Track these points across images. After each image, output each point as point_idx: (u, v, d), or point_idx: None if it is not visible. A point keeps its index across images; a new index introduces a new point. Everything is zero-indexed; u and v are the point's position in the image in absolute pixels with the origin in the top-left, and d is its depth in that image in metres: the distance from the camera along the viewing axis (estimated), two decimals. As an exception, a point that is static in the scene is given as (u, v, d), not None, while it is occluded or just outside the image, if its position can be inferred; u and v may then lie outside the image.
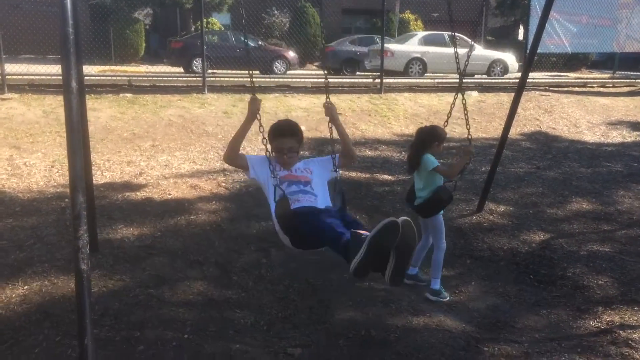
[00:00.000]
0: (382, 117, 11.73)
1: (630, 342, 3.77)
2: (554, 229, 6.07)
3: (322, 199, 3.41)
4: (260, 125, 3.45)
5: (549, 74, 19.68)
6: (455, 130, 11.47)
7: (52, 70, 12.01)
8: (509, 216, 6.40)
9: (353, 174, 7.78)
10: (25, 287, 4.37)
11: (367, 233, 2.79)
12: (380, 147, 9.90)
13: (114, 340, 3.72)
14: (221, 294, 4.60)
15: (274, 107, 11.46)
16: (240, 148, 3.54)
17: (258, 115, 3.45)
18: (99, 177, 7.19)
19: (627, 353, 3.62)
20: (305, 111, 11.49)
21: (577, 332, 4.04)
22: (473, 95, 13.49)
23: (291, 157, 3.55)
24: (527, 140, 10.94)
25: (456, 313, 4.49)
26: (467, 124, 4.66)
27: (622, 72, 19.67)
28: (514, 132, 11.51)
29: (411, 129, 11.28)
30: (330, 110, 3.58)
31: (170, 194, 6.46)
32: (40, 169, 7.43)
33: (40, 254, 4.86)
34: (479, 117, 12.31)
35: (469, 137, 4.72)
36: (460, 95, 4.76)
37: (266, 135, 3.48)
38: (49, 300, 4.19)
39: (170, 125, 10.02)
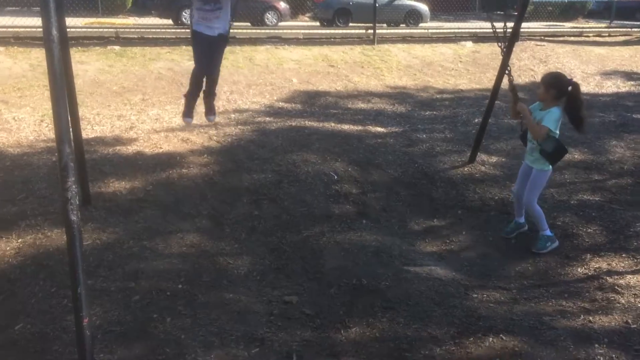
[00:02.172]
0: (375, 68, 11.59)
1: (616, 287, 3.85)
2: (544, 179, 6.09)
3: (224, 15, 5.21)
4: None
5: (545, 23, 19.40)
6: (448, 81, 11.41)
7: (37, 22, 11.71)
8: (500, 167, 6.41)
9: (345, 127, 7.75)
10: (19, 240, 4.38)
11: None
12: (373, 99, 9.83)
13: (109, 290, 3.77)
14: (214, 246, 4.64)
15: (265, 60, 11.30)
16: None
17: None
18: (89, 131, 7.12)
19: (612, 298, 3.70)
20: (297, 63, 11.33)
21: (565, 279, 4.12)
22: (467, 46, 13.32)
23: None
24: (521, 90, 10.79)
25: (447, 262, 4.56)
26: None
27: (619, 22, 19.40)
28: (507, 83, 11.43)
29: (404, 81, 11.20)
30: None
31: (161, 148, 6.41)
32: (30, 123, 7.35)
33: (33, 207, 4.85)
34: (473, 68, 12.20)
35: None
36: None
37: None
38: (43, 252, 4.21)
39: (160, 79, 9.88)
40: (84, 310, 2.62)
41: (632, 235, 4.71)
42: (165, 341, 3.16)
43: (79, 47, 10.72)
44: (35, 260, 4.13)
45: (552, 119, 4.33)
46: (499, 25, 5.13)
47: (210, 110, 5.97)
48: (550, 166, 4.57)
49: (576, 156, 6.93)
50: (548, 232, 4.61)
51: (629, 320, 3.38)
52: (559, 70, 4.95)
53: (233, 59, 10.99)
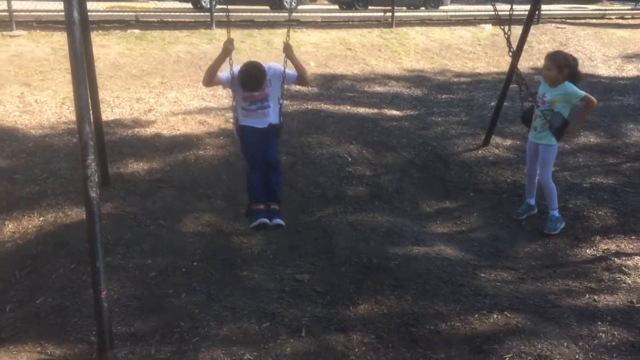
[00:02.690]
0: (393, 52, 11.55)
1: (623, 268, 3.88)
2: (559, 162, 6.06)
3: (273, 110, 4.27)
4: (230, 60, 4.05)
5: (568, 5, 19.05)
6: (466, 65, 11.34)
7: (59, 6, 11.89)
8: (514, 150, 6.42)
9: (361, 110, 7.79)
10: (41, 219, 4.55)
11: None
12: (390, 82, 9.83)
13: (126, 267, 3.91)
14: (229, 226, 4.76)
15: (282, 43, 11.32)
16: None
17: (230, 57, 4.04)
18: (109, 113, 7.26)
19: (619, 278, 3.74)
20: (315, 46, 11.35)
21: (573, 260, 4.16)
22: (486, 29, 13.19)
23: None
24: (539, 74, 10.74)
25: (457, 243, 4.62)
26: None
27: None
28: (526, 66, 11.31)
29: (422, 64, 11.15)
30: (287, 50, 4.16)
31: (179, 130, 6.54)
32: (51, 105, 7.51)
33: (54, 187, 5.02)
34: (492, 52, 12.09)
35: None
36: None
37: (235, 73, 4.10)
38: (64, 230, 4.38)
39: (179, 62, 9.98)
40: (102, 283, 2.76)
41: (644, 218, 4.71)
42: (180, 315, 3.28)
43: (100, 31, 10.86)
44: (56, 238, 4.30)
45: (576, 89, 4.51)
46: (503, 8, 5.11)
47: (275, 213, 4.10)
48: (556, 141, 4.66)
49: (592, 139, 6.90)
50: (557, 213, 4.68)
51: (634, 300, 3.43)
52: (566, 51, 4.95)
53: (251, 43, 11.04)
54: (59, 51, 9.69)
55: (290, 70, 4.25)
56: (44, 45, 9.84)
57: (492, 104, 8.45)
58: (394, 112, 7.83)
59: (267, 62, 4.32)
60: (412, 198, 5.51)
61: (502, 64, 11.26)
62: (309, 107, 7.82)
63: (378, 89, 9.44)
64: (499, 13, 4.89)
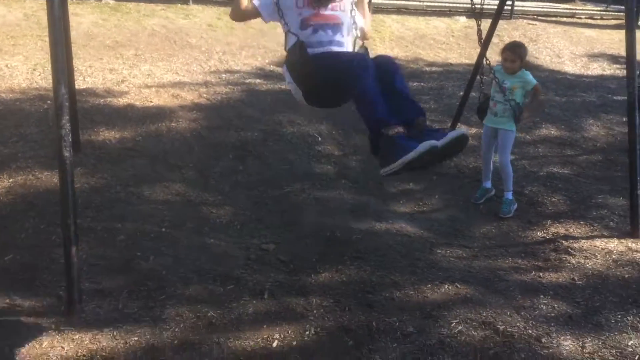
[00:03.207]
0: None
1: (570, 249, 4.14)
2: (519, 152, 6.36)
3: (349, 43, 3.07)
4: None
5: (541, 3, 19.42)
6: (439, 55, 11.56)
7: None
8: (478, 138, 6.61)
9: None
10: (10, 180, 4.58)
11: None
12: (363, 67, 9.96)
13: (95, 229, 4.00)
14: (198, 196, 4.87)
15: (259, 22, 11.31)
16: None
17: None
18: (81, 82, 7.23)
19: (564, 258, 3.99)
20: None
21: (524, 241, 4.41)
22: (461, 21, 13.41)
23: None
24: (509, 68, 11.05)
25: (417, 222, 4.82)
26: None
27: (616, 6, 19.33)
28: (495, 60, 11.58)
29: (396, 52, 11.31)
30: None
31: (151, 102, 6.58)
32: (22, 71, 7.44)
33: (24, 150, 5.04)
34: (465, 43, 12.32)
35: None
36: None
37: None
38: (34, 192, 4.43)
39: (154, 35, 9.92)
40: (73, 238, 2.86)
41: (593, 206, 5.00)
42: (148, 276, 3.40)
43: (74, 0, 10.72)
44: (25, 199, 4.35)
45: (532, 77, 4.82)
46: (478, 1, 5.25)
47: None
48: (515, 126, 4.92)
49: (552, 132, 7.19)
50: (511, 195, 4.96)
51: (575, 278, 3.68)
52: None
53: (228, 20, 10.99)
54: (31, 17, 9.54)
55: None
56: (16, 11, 9.67)
57: (461, 93, 8.67)
58: (366, 96, 7.98)
59: None
60: (378, 179, 5.67)
61: (474, 55, 11.43)
62: (282, 86, 7.90)
63: (351, 73, 9.56)
64: (475, 6, 5.02)
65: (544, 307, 3.26)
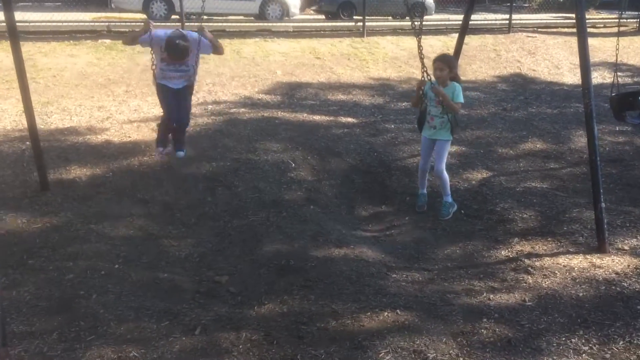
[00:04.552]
0: (361, 60, 11.71)
1: (529, 268, 3.98)
2: (499, 168, 6.22)
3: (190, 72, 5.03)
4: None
5: (554, 15, 19.19)
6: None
7: (30, 17, 12.11)
8: (458, 155, 6.54)
9: (316, 117, 7.91)
10: (-25, 222, 4.65)
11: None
12: (354, 91, 9.96)
13: (47, 269, 4.00)
14: (162, 229, 4.86)
15: (252, 52, 11.48)
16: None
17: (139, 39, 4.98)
18: (68, 121, 7.39)
19: (522, 278, 3.83)
20: (284, 56, 11.50)
21: (487, 261, 4.26)
22: (457, 38, 13.34)
23: None
24: (504, 82, 10.92)
25: (381, 245, 4.72)
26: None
27: (633, 13, 18.77)
28: (491, 75, 11.51)
29: (389, 73, 11.31)
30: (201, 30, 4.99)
31: (130, 137, 6.66)
32: (12, 114, 7.63)
33: (-6, 191, 5.13)
34: (460, 60, 12.15)
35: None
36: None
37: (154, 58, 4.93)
38: (-5, 234, 4.48)
39: (146, 71, 10.03)
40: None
41: (565, 221, 4.82)
42: (84, 315, 3.37)
43: (71, 41, 11.03)
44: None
45: (461, 93, 5.00)
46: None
47: (180, 145, 5.43)
48: (452, 135, 5.18)
49: (538, 145, 7.04)
50: (450, 199, 5.19)
51: (526, 298, 3.52)
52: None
53: (220, 52, 11.17)
54: (27, 61, 9.82)
55: (205, 40, 4.98)
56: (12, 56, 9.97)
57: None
58: (349, 120, 7.96)
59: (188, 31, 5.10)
60: (350, 202, 5.63)
61: (468, 72, 11.43)
62: (265, 114, 7.94)
63: (341, 97, 9.57)
64: (414, 23, 4.98)
65: (484, 332, 3.11)
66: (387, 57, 12.07)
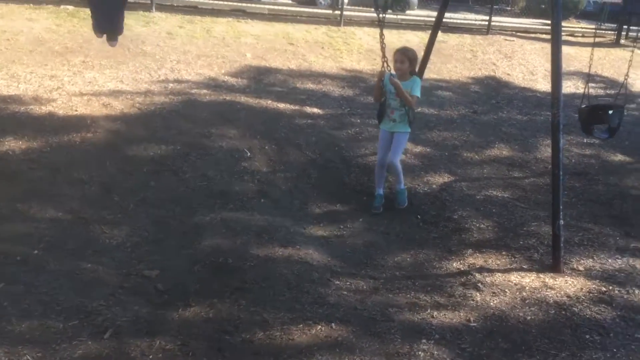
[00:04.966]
0: (335, 50, 11.37)
1: (479, 284, 3.76)
2: (462, 173, 6.01)
3: None
4: None
5: (519, 19, 19.14)
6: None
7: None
8: (422, 157, 6.31)
9: (281, 105, 7.58)
10: None
11: None
12: (324, 80, 9.63)
13: (-44, 251, 3.63)
14: (95, 214, 4.50)
15: (223, 32, 11.04)
16: None
17: None
18: (13, 88, 6.90)
19: (470, 295, 3.61)
20: (256, 38, 11.09)
21: (437, 272, 4.03)
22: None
23: None
24: (477, 84, 10.73)
25: (330, 247, 4.45)
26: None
27: (611, 25, 18.80)
28: (466, 75, 11.31)
29: (362, 65, 11.00)
30: None
31: (76, 111, 6.22)
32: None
33: None
34: (436, 58, 11.96)
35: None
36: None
37: None
38: None
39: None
40: None
41: (522, 234, 4.63)
42: (-15, 307, 3.03)
43: (30, 4, 10.43)
44: None
45: (419, 87, 4.96)
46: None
47: None
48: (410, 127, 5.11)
49: (504, 152, 6.85)
50: (403, 185, 5.15)
51: (472, 318, 3.30)
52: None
53: (190, 29, 10.72)
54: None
55: None
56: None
57: (419, 109, 8.38)
58: (315, 110, 7.65)
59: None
60: (304, 198, 5.33)
61: (443, 71, 11.21)
62: (227, 97, 7.58)
63: (310, 86, 9.24)
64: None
65: (422, 355, 2.87)
66: (362, 48, 11.76)
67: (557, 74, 4.11)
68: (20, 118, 5.81)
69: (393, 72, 4.84)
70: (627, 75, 5.78)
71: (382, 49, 4.65)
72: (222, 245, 4.16)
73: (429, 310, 3.38)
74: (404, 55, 4.89)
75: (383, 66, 4.77)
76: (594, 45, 12.58)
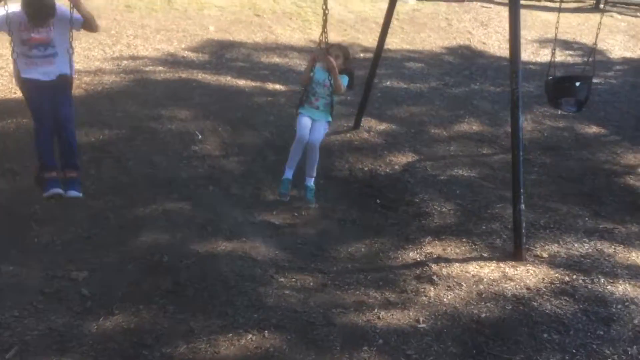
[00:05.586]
0: (304, 21, 10.90)
1: (434, 277, 3.49)
2: (427, 151, 5.70)
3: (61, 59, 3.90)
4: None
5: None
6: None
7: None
8: (386, 135, 5.99)
9: (241, 82, 7.19)
10: None
11: None
12: (291, 54, 9.20)
13: None
14: (25, 208, 4.16)
15: (185, 3, 10.52)
16: None
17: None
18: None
19: (423, 290, 3.34)
20: (220, 10, 10.58)
21: (391, 264, 3.75)
22: (409, 3, 12.67)
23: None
24: (451, 54, 10.35)
25: (280, 238, 4.15)
26: None
27: None
28: (439, 45, 10.91)
29: (332, 36, 10.45)
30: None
31: (15, 94, 5.79)
32: None
33: None
34: (409, 27, 11.58)
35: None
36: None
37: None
38: None
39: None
40: None
41: (486, 218, 4.36)
42: None
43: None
44: None
45: (347, 82, 4.68)
46: None
47: (74, 186, 3.93)
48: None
49: (474, 127, 6.55)
50: (313, 182, 4.68)
51: (421, 318, 3.03)
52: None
53: (149, 1, 10.20)
54: None
55: (77, 15, 3.89)
56: None
57: (388, 83, 8.04)
58: (277, 87, 7.26)
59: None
60: (258, 183, 5.01)
61: (416, 40, 10.81)
62: (183, 75, 7.16)
63: (276, 59, 8.81)
64: None
65: (361, 365, 2.61)
66: (332, 19, 11.22)
67: (515, 45, 3.80)
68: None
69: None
70: (594, 43, 5.46)
71: (324, 19, 4.21)
72: (160, 240, 3.85)
73: (376, 310, 3.10)
74: (340, 50, 4.72)
75: (320, 42, 4.32)
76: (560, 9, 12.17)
